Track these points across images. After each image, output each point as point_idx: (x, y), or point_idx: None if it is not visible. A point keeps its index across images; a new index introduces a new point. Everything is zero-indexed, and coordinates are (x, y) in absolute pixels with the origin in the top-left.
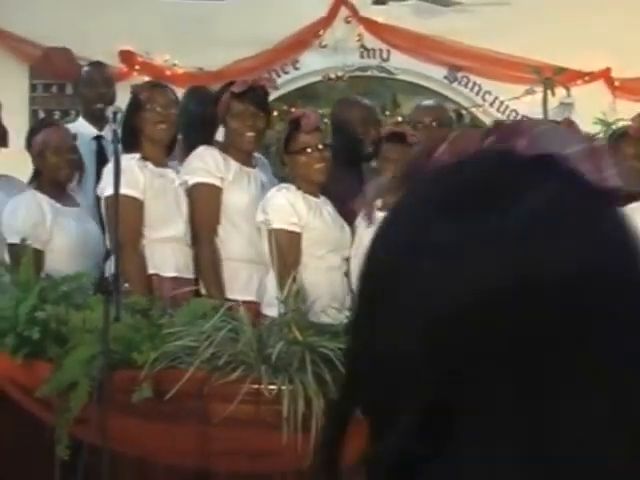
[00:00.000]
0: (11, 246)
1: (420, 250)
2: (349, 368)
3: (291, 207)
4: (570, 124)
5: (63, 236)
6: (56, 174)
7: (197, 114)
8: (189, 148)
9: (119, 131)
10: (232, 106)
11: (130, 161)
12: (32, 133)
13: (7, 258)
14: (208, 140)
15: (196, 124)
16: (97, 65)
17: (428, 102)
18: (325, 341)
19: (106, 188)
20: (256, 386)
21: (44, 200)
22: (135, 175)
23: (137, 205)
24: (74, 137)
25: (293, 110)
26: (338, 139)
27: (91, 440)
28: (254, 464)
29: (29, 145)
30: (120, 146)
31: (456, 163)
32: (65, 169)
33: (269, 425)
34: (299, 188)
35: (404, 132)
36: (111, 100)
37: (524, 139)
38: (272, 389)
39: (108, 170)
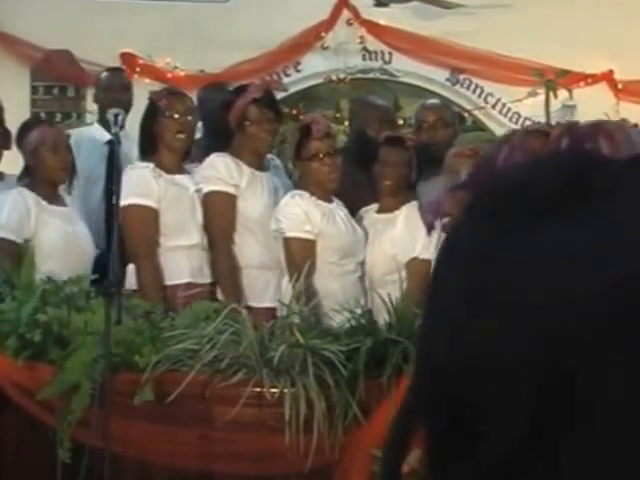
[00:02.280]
0: None
1: (521, 250)
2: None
3: (305, 215)
4: None
5: (47, 234)
6: (51, 173)
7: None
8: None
9: (120, 134)
10: (249, 111)
11: (144, 170)
12: (23, 130)
13: None
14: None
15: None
16: (116, 70)
17: (432, 101)
18: (327, 344)
19: (122, 198)
20: (258, 389)
21: (31, 197)
22: (149, 185)
23: (152, 215)
24: (68, 137)
25: (295, 112)
26: (354, 139)
27: (93, 443)
28: (256, 467)
29: (20, 141)
30: (121, 148)
31: (539, 163)
32: (61, 169)
33: (271, 428)
34: (312, 194)
35: (401, 136)
36: (126, 106)
37: (606, 141)
38: (274, 392)
39: (124, 179)
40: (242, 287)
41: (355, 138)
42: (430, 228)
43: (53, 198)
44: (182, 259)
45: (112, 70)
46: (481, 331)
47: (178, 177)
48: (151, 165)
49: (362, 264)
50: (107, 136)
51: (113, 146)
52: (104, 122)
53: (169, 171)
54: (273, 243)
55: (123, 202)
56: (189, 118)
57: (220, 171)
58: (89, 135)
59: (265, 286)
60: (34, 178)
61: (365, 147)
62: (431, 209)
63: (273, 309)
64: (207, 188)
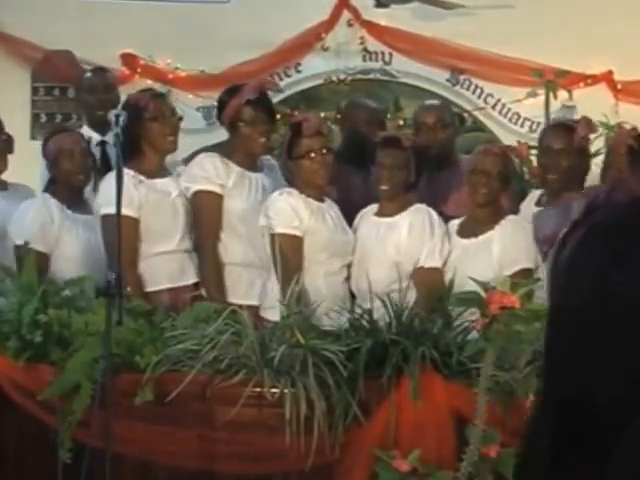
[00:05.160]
0: (17, 248)
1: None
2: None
3: (293, 211)
4: (588, 122)
5: (70, 242)
6: (70, 179)
7: None
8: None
9: (121, 135)
10: (243, 112)
11: (124, 178)
12: (47, 140)
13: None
14: None
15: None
16: (99, 71)
17: (430, 102)
18: (327, 344)
19: (103, 206)
20: (258, 389)
21: (54, 204)
22: (129, 193)
23: (133, 224)
24: (87, 141)
25: (296, 114)
26: (347, 141)
27: (94, 443)
28: (257, 467)
29: (44, 151)
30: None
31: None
32: (79, 174)
33: (271, 428)
34: (302, 192)
35: (398, 137)
36: (114, 106)
37: None
38: (274, 392)
39: (105, 186)
40: (225, 286)
41: (348, 139)
42: (545, 257)
43: (77, 205)
44: (162, 265)
45: (95, 70)
46: (605, 333)
47: (159, 182)
48: (131, 172)
49: (349, 266)
50: (97, 139)
51: (105, 147)
52: (92, 124)
53: (150, 175)
54: (259, 241)
55: (104, 211)
56: (173, 120)
57: (207, 170)
58: None
59: (249, 284)
60: (57, 186)
61: (359, 147)
62: (547, 241)
63: (257, 307)
64: (194, 187)
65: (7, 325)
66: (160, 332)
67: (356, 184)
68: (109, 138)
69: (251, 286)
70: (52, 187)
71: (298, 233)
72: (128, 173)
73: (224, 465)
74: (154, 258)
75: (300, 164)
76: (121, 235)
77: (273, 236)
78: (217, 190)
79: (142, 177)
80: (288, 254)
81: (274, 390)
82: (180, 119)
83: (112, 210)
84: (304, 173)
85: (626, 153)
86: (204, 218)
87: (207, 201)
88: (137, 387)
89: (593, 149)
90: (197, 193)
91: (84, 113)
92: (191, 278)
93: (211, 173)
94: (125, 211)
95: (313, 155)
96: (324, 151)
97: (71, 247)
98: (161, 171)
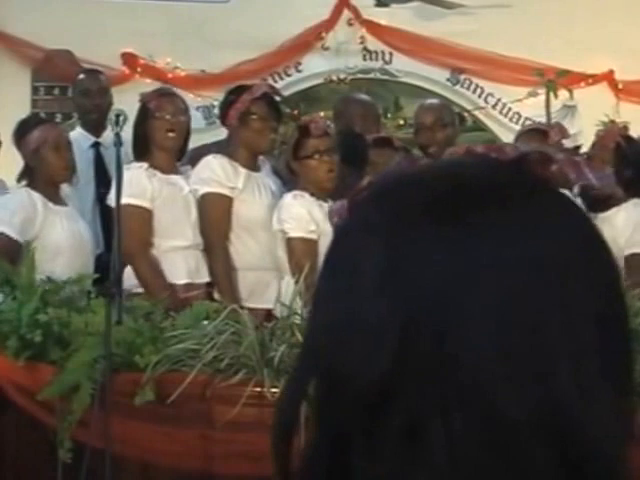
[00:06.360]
0: None
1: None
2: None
3: (309, 215)
4: (561, 128)
5: (54, 234)
6: (54, 172)
7: None
8: None
9: (122, 134)
10: (256, 106)
11: (138, 170)
12: (22, 128)
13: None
14: None
15: None
16: (92, 73)
17: (430, 102)
18: None
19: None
20: (259, 389)
21: (38, 198)
22: (143, 184)
23: (145, 214)
24: (68, 135)
25: (295, 113)
26: (340, 137)
27: (93, 443)
28: (256, 467)
29: (18, 140)
30: (122, 149)
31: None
32: (64, 168)
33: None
34: (311, 194)
35: (389, 137)
36: (106, 109)
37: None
38: (274, 392)
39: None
40: (239, 289)
41: (342, 137)
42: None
43: (56, 198)
44: (179, 260)
45: (88, 73)
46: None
47: (173, 177)
48: (145, 165)
49: None
50: (91, 140)
51: (99, 149)
52: (86, 126)
53: (163, 171)
54: (273, 244)
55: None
56: (181, 118)
57: (217, 172)
58: (72, 141)
59: (264, 287)
60: (36, 178)
61: (353, 145)
62: (338, 212)
63: (271, 310)
64: (203, 190)
65: (7, 325)
66: (160, 331)
67: (349, 182)
68: (103, 139)
69: (266, 289)
70: (29, 179)
71: (314, 237)
72: (142, 166)
73: (224, 465)
74: (170, 253)
75: (307, 164)
76: (132, 225)
77: (288, 240)
78: (227, 193)
79: (155, 171)
80: (304, 258)
81: (274, 390)
82: (187, 118)
83: (124, 201)
84: (311, 173)
85: (613, 149)
86: (213, 221)
87: (216, 203)
88: (137, 387)
89: None
90: (206, 195)
91: (78, 114)
92: (206, 276)
93: (221, 176)
94: (137, 201)
95: (320, 155)
96: (330, 151)
97: (56, 240)
98: (172, 169)
